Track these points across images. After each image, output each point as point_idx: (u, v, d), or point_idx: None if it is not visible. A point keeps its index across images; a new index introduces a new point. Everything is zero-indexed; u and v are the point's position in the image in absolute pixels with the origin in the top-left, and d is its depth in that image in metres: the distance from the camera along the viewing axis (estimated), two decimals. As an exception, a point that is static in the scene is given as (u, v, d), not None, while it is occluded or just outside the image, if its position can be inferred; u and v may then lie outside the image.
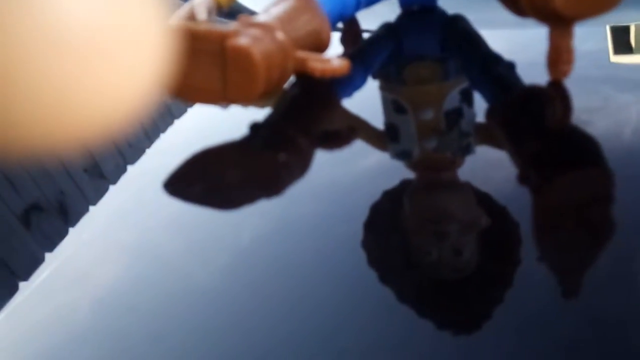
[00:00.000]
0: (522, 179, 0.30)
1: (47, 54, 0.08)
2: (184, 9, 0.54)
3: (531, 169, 0.31)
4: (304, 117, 0.41)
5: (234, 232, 0.30)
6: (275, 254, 0.28)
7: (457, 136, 0.36)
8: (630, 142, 0.32)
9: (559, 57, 0.37)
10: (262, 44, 0.36)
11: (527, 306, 0.22)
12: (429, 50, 0.51)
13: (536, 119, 0.36)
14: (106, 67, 0.08)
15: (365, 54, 0.50)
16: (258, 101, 0.38)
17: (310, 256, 0.27)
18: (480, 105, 0.39)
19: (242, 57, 0.35)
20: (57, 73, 0.08)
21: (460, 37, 0.51)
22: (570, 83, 0.38)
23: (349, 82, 0.43)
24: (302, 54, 0.39)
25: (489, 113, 0.37)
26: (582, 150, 0.32)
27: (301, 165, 0.34)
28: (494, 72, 0.43)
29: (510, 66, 0.42)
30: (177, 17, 0.52)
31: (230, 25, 0.37)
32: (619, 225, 0.26)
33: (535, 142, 0.33)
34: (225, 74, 0.36)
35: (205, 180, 0.35)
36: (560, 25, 0.36)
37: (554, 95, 0.38)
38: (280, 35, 0.38)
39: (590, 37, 0.45)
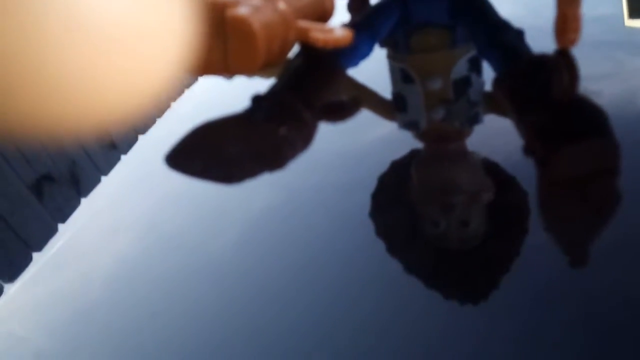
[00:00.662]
0: (528, 151, 0.30)
1: (70, 42, 0.08)
2: None
3: (537, 141, 0.31)
4: (308, 88, 0.41)
5: (243, 204, 0.30)
6: (284, 226, 0.28)
7: (465, 106, 0.36)
8: None
9: (566, 25, 0.37)
10: (263, 13, 0.36)
11: (535, 277, 0.23)
12: (436, 18, 0.50)
13: (544, 89, 0.35)
14: (128, 56, 0.08)
15: (371, 22, 0.50)
16: (260, 72, 0.38)
17: (320, 227, 0.27)
18: (488, 73, 0.38)
19: (241, 27, 0.35)
20: (80, 62, 0.08)
21: (469, 3, 0.50)
22: (584, 48, 0.38)
23: (355, 51, 0.43)
24: (304, 24, 0.39)
25: (496, 82, 0.37)
26: (590, 120, 0.32)
27: (305, 138, 0.34)
28: (503, 39, 0.42)
29: (519, 33, 0.41)
30: None
31: None
32: (625, 196, 0.26)
33: (542, 113, 0.33)
34: (225, 45, 0.36)
35: (209, 153, 0.35)
36: None
37: (562, 64, 0.37)
38: (281, 4, 0.37)
39: (605, 1, 0.45)
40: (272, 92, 0.39)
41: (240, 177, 0.32)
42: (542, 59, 0.38)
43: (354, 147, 0.33)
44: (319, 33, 0.38)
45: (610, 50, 0.39)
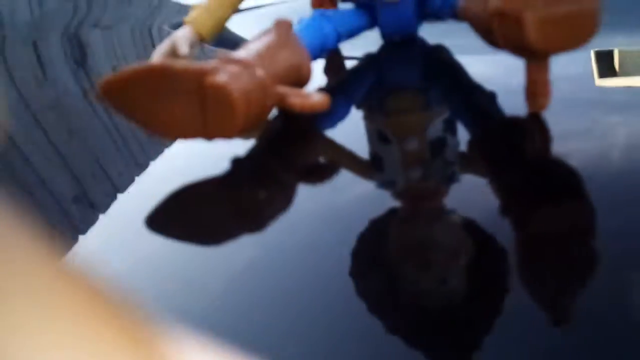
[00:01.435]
0: (503, 211, 0.31)
1: None
2: (166, 43, 0.53)
3: (513, 201, 0.32)
4: (286, 150, 0.41)
5: (223, 264, 0.30)
6: (265, 284, 0.28)
7: (442, 165, 0.36)
8: (619, 165, 0.33)
9: (536, 90, 0.38)
10: (241, 81, 0.36)
11: (515, 335, 0.23)
12: (410, 81, 0.52)
13: (517, 150, 0.36)
14: None
15: (347, 86, 0.51)
16: (239, 135, 0.38)
17: (300, 285, 0.28)
18: (462, 135, 0.40)
19: (220, 94, 0.35)
20: None
21: (442, 66, 0.52)
22: (558, 107, 0.39)
23: (332, 114, 0.44)
24: (281, 89, 0.39)
25: (471, 143, 0.38)
26: (564, 180, 0.32)
27: (284, 199, 0.34)
28: (476, 102, 0.43)
29: (491, 95, 0.43)
30: (159, 52, 0.52)
31: (209, 62, 0.37)
32: (602, 255, 0.26)
33: (517, 173, 0.34)
34: (205, 111, 0.36)
35: (189, 214, 0.35)
36: (535, 59, 0.37)
37: (534, 126, 0.38)
38: (259, 71, 0.38)
39: (575, 62, 0.46)
40: (251, 154, 0.40)
41: (221, 238, 0.32)
42: (514, 121, 0.40)
43: (333, 207, 0.33)
44: (296, 98, 0.39)
45: (583, 109, 0.40)
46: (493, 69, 0.49)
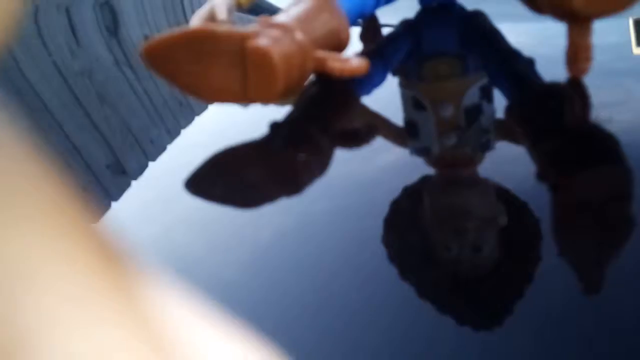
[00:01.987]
0: (541, 177, 0.30)
1: None
2: (204, 9, 0.54)
3: (550, 167, 0.31)
4: (323, 115, 0.41)
5: (253, 230, 0.31)
6: (295, 251, 0.28)
7: (477, 133, 0.36)
8: None
9: (578, 54, 0.38)
10: (282, 44, 0.37)
11: (547, 303, 0.23)
12: (448, 47, 0.51)
13: (555, 117, 0.36)
14: None
15: (384, 51, 0.51)
16: (278, 100, 0.39)
17: (331, 253, 0.28)
18: (500, 101, 0.39)
19: (261, 58, 0.35)
20: None
21: (480, 33, 0.52)
22: (593, 76, 0.39)
23: (368, 80, 0.44)
24: (321, 53, 0.40)
25: (508, 110, 0.37)
26: (601, 147, 0.32)
27: (321, 164, 0.35)
28: (514, 68, 0.43)
29: (529, 62, 0.42)
30: (198, 17, 0.53)
31: (250, 26, 0.37)
32: (637, 223, 0.26)
33: (555, 140, 0.33)
34: (245, 75, 0.36)
35: (226, 179, 0.35)
36: (578, 22, 0.37)
37: (573, 93, 0.38)
38: (299, 35, 0.38)
39: (613, 30, 0.45)
40: (289, 119, 0.40)
41: (255, 203, 0.32)
42: (553, 88, 0.39)
43: (368, 173, 0.34)
44: (336, 62, 0.39)
45: (619, 78, 0.40)
46: (531, 37, 0.48)
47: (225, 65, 0.36)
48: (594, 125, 0.34)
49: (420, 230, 0.29)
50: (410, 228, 0.29)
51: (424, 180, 0.32)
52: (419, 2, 0.57)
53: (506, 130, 0.36)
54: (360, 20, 0.52)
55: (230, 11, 0.54)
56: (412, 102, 0.42)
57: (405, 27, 0.55)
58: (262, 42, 0.36)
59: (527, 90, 0.40)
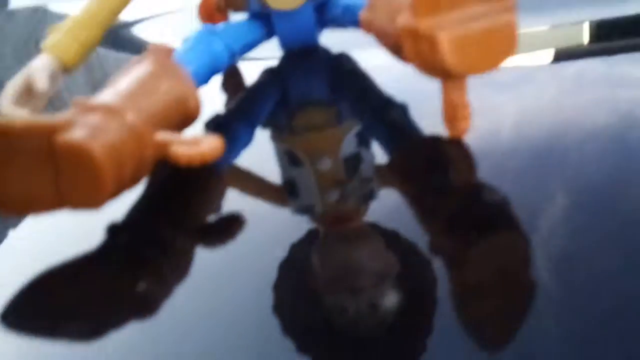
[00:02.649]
0: (435, 247, 0.31)
1: None
2: (20, 78, 0.47)
3: (441, 233, 0.32)
4: (179, 203, 0.38)
5: None
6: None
7: (359, 184, 0.38)
8: (510, 139, 0.39)
9: (455, 113, 0.38)
10: (105, 134, 0.31)
11: (448, 356, 0.24)
12: (318, 94, 0.53)
13: (439, 173, 0.37)
14: None
15: (249, 106, 0.51)
16: (109, 202, 0.33)
17: (223, 341, 0.27)
18: (378, 148, 0.41)
19: (78, 156, 0.30)
20: None
21: (348, 77, 0.54)
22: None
23: (233, 142, 0.43)
24: (163, 136, 0.34)
25: (390, 164, 0.39)
26: (491, 209, 0.33)
27: (178, 273, 0.31)
28: (389, 116, 0.45)
29: (403, 108, 0.44)
30: (10, 92, 0.47)
31: (62, 113, 0.32)
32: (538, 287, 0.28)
33: (440, 198, 0.35)
34: (61, 177, 0.31)
35: (54, 307, 0.31)
36: (452, 78, 0.37)
37: (455, 150, 0.39)
38: (130, 117, 0.33)
39: None
40: (133, 218, 0.36)
41: (97, 333, 0.28)
42: (436, 142, 0.40)
43: (245, 248, 0.33)
44: (181, 147, 0.34)
45: (475, 88, 0.43)
46: (400, 77, 0.51)
47: (31, 167, 0.31)
48: (480, 185, 0.35)
49: (313, 297, 0.29)
50: (302, 296, 0.29)
51: (310, 241, 0.32)
52: (281, 47, 0.59)
53: (390, 175, 0.38)
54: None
55: (53, 78, 0.49)
56: (287, 158, 0.42)
57: (270, 75, 0.57)
58: (77, 135, 0.30)
59: (405, 140, 0.42)
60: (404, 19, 0.36)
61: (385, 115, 0.45)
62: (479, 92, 0.43)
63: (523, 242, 0.30)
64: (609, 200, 0.32)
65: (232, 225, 0.35)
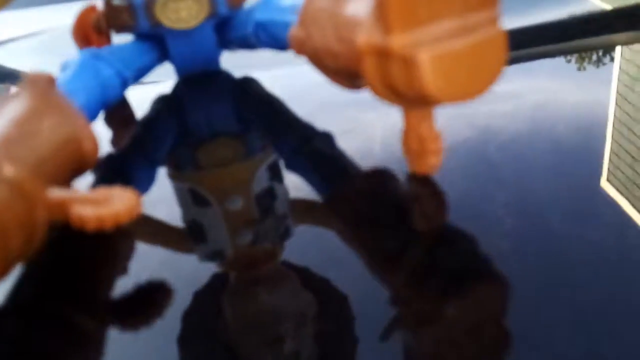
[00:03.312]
0: (396, 301, 0.30)
1: None
2: None
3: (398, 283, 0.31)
4: (74, 272, 0.34)
5: None
6: None
7: (274, 222, 0.37)
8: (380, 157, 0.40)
9: (424, 146, 0.35)
10: None
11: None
12: (222, 124, 0.52)
13: (386, 210, 0.37)
14: None
15: (144, 142, 0.49)
16: None
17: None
18: (292, 180, 0.41)
19: None
20: None
21: (255, 103, 0.54)
22: (320, 110, 0.46)
23: (132, 184, 0.41)
24: (58, 194, 0.30)
25: (327, 201, 0.39)
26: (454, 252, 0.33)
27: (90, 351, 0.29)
28: (311, 146, 0.44)
29: (326, 136, 0.44)
30: None
31: None
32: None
33: (391, 240, 0.34)
34: None
35: None
36: (419, 106, 0.34)
37: (409, 186, 0.38)
38: (10, 170, 0.28)
39: None
40: (21, 299, 0.32)
41: None
42: (376, 174, 0.40)
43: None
44: (86, 207, 0.29)
45: (344, 109, 0.47)
46: (315, 102, 0.51)
47: None
48: (441, 226, 0.35)
49: (227, 352, 0.28)
50: (215, 352, 0.28)
51: (220, 288, 0.32)
52: (176, 72, 0.58)
53: (324, 219, 0.37)
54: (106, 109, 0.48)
55: None
56: (191, 197, 0.41)
57: (164, 104, 0.55)
58: None
59: (339, 175, 0.42)
60: (366, 35, 0.32)
61: (308, 148, 0.45)
62: (347, 112, 0.46)
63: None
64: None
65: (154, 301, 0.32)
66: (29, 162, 0.30)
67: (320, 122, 0.48)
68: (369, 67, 0.32)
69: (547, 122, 0.45)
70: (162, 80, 0.58)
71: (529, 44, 0.61)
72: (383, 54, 0.31)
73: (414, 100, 0.33)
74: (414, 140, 0.36)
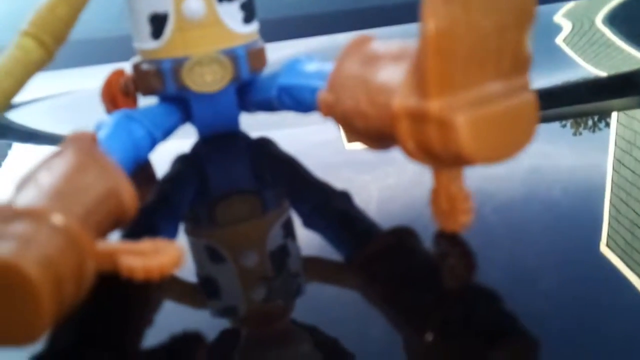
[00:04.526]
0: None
1: None
2: None
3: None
4: (110, 323, 0.34)
5: None
6: None
7: (287, 279, 0.38)
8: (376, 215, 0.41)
9: (454, 206, 0.35)
10: (37, 245, 0.27)
11: None
12: (240, 183, 0.53)
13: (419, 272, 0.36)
14: None
15: (167, 198, 0.50)
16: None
17: None
18: (305, 236, 0.41)
19: (5, 276, 0.26)
20: None
21: (272, 163, 0.55)
22: (317, 169, 0.47)
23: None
24: (107, 245, 0.30)
25: (349, 262, 0.39)
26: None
27: None
28: (330, 206, 0.45)
29: (345, 196, 0.45)
30: None
31: None
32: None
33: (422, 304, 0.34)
34: None
35: None
36: (452, 167, 0.35)
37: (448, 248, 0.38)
38: (58, 218, 0.29)
39: (325, 129, 0.52)
40: (63, 346, 0.32)
41: None
42: (400, 235, 0.40)
43: (162, 354, 0.32)
44: (134, 259, 0.30)
45: (337, 169, 0.48)
46: (329, 165, 0.52)
47: None
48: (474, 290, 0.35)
49: None
50: None
51: (234, 346, 0.32)
52: (198, 132, 0.59)
53: (344, 277, 0.37)
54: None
55: None
56: (206, 254, 0.42)
57: (186, 163, 0.56)
58: (2, 250, 0.26)
59: (362, 235, 0.42)
60: (402, 99, 0.33)
61: (326, 208, 0.45)
62: (343, 173, 0.47)
63: None
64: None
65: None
66: (79, 213, 0.32)
67: (317, 182, 0.49)
68: (403, 129, 0.33)
69: (543, 185, 0.46)
70: (183, 138, 0.59)
71: None
72: (419, 117, 0.32)
73: (448, 161, 0.33)
74: (444, 200, 0.36)
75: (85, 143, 0.37)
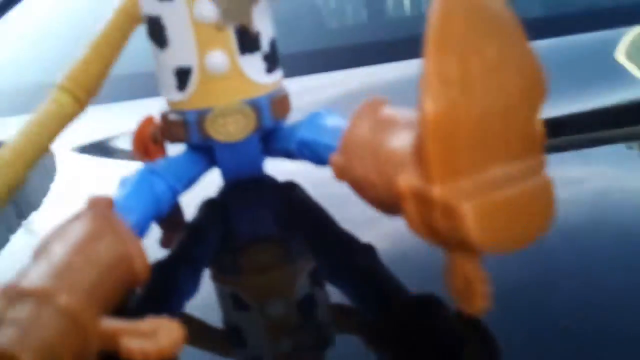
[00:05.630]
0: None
1: None
2: None
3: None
4: None
5: None
6: None
7: (315, 329, 0.36)
8: None
9: (470, 288, 0.32)
10: (38, 330, 0.28)
11: None
12: (266, 229, 0.52)
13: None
14: None
15: (190, 246, 0.49)
16: None
17: None
18: (333, 288, 0.40)
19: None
20: None
21: (298, 208, 0.53)
22: (345, 220, 0.45)
23: (177, 289, 0.41)
24: (110, 325, 0.31)
25: (368, 325, 0.36)
26: None
27: None
28: (352, 260, 0.43)
29: (369, 249, 0.43)
30: None
31: None
32: None
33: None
34: None
35: None
36: (462, 251, 0.32)
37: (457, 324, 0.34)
38: (63, 299, 0.29)
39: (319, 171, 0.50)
40: None
41: None
42: (429, 301, 0.37)
43: None
44: (134, 340, 0.30)
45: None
46: (358, 214, 0.50)
47: None
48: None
49: None
50: None
51: None
52: (223, 177, 0.58)
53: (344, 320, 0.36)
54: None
55: None
56: (231, 302, 0.40)
57: (211, 209, 0.55)
58: (1, 338, 0.27)
59: (387, 299, 0.39)
60: (407, 178, 0.31)
61: (348, 263, 0.43)
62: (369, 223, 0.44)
63: None
64: None
65: None
66: (85, 288, 0.32)
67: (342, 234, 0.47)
68: (410, 207, 0.31)
69: (611, 210, 0.42)
70: (211, 183, 0.57)
71: (585, 129, 0.56)
72: (424, 200, 0.30)
73: (456, 246, 0.31)
74: (459, 280, 0.33)
75: (101, 208, 0.37)
